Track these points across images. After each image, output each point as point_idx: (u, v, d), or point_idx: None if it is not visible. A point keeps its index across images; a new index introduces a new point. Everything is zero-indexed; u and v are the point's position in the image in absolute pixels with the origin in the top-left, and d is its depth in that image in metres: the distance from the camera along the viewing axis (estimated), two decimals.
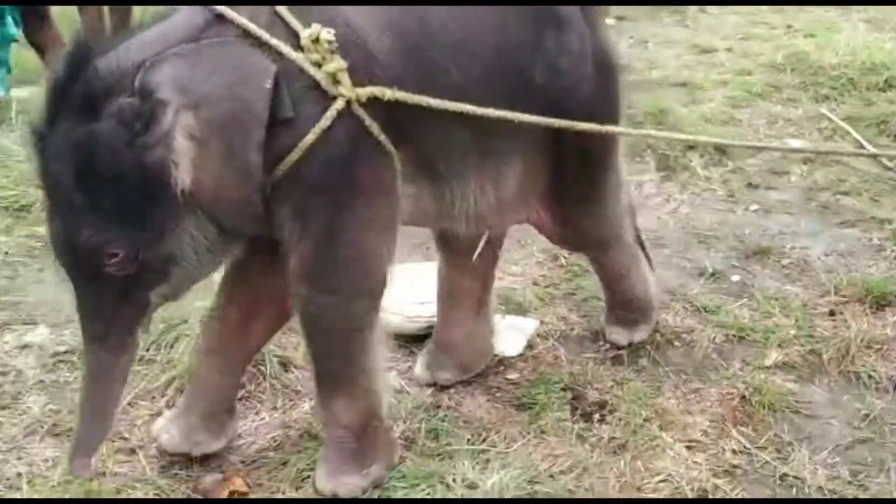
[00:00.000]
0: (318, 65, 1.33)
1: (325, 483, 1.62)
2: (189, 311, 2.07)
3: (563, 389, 1.92)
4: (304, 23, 1.34)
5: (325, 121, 1.33)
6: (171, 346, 2.01)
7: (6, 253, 2.59)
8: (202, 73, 1.30)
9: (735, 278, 2.39)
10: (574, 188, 1.80)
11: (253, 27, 1.32)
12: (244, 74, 1.31)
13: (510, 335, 2.10)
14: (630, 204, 2.08)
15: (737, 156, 3.15)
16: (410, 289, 2.16)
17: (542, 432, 1.80)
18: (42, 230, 2.70)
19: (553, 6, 1.59)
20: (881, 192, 2.85)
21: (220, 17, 1.33)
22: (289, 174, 1.37)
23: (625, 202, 2.00)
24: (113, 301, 1.39)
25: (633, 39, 4.91)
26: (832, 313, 2.19)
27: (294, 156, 1.35)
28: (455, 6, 1.50)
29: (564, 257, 2.49)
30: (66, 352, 2.12)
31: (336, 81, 1.34)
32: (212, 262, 1.48)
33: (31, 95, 3.80)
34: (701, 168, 3.07)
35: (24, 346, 2.16)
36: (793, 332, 2.11)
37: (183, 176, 1.28)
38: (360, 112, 1.36)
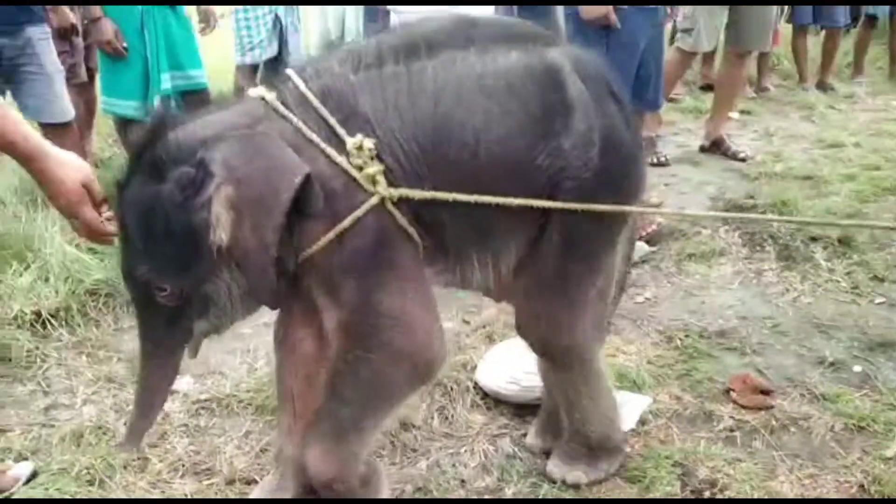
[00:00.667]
0: (360, 168, 1.51)
1: None
2: None
3: (674, 465, 1.93)
4: (349, 130, 1.52)
5: (360, 212, 1.52)
6: None
7: None
8: (247, 156, 1.50)
9: (857, 369, 2.35)
10: (550, 281, 1.74)
11: (304, 128, 1.52)
12: (281, 166, 1.49)
13: (623, 410, 2.14)
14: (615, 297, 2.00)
15: (862, 249, 3.11)
16: (526, 358, 2.27)
17: None
18: None
19: (562, 93, 1.62)
20: None
21: (277, 112, 1.54)
22: (321, 253, 1.54)
23: (600, 311, 1.88)
24: (162, 326, 1.61)
25: (757, 133, 4.95)
26: None
27: (328, 237, 1.52)
28: (473, 106, 1.58)
29: (680, 339, 2.53)
30: (207, 399, 2.32)
31: (374, 182, 1.52)
32: (246, 308, 1.65)
33: None
34: (824, 259, 3.05)
35: (171, 393, 2.38)
36: None
37: (220, 236, 1.47)
38: (392, 208, 1.54)
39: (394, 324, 1.60)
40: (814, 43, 6.31)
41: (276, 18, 4.33)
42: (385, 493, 1.79)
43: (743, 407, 2.18)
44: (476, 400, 2.24)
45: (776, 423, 2.11)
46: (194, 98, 3.80)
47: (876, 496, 1.83)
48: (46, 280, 2.81)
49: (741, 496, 1.84)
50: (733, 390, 2.23)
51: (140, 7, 3.67)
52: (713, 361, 2.41)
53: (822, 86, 5.99)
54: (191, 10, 4.23)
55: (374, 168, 1.51)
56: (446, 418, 2.17)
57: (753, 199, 3.61)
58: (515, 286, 1.78)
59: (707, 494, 1.86)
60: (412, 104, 1.56)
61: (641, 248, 3.12)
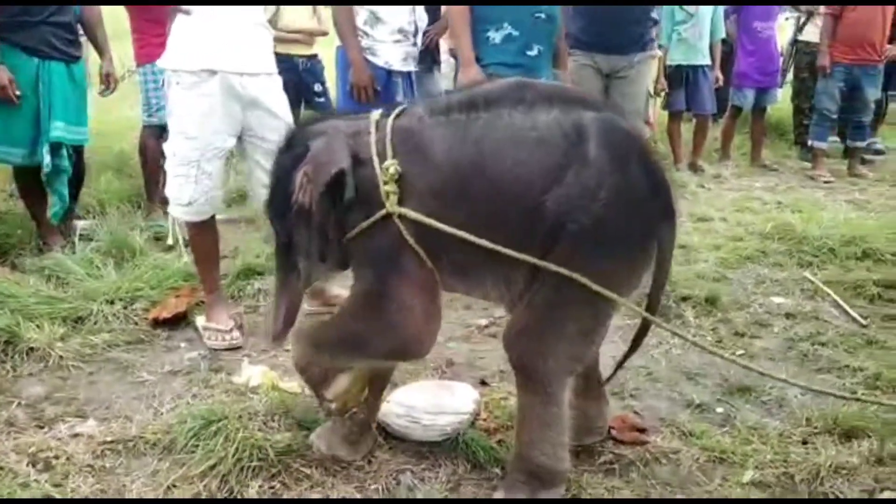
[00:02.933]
0: (385, 183, 1.92)
1: None
2: (221, 409, 2.36)
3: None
4: (397, 155, 1.94)
5: (372, 220, 1.95)
6: (212, 438, 2.25)
7: (61, 357, 2.89)
8: (325, 149, 1.98)
9: (719, 410, 2.63)
10: (541, 306, 1.95)
11: (372, 145, 1.98)
12: (334, 160, 1.95)
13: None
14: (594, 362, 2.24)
15: (726, 308, 3.46)
16: (426, 399, 2.44)
17: None
18: (95, 338, 3.03)
19: (582, 150, 1.84)
20: (856, 345, 3.12)
21: (367, 129, 2.02)
22: (353, 241, 2.02)
23: (583, 355, 2.05)
24: (281, 257, 2.15)
25: None
26: (805, 442, 2.41)
27: (357, 230, 1.99)
28: (504, 152, 1.88)
29: None
30: (112, 441, 2.36)
31: (387, 197, 1.91)
32: (322, 265, 2.13)
33: (89, 225, 4.24)
34: (692, 317, 3.38)
35: (75, 435, 2.41)
36: (769, 456, 2.32)
37: (301, 197, 1.94)
38: (398, 222, 1.93)
39: (392, 307, 1.97)
40: (686, 128, 6.89)
41: None
42: (339, 388, 2.19)
43: (621, 443, 2.40)
44: (379, 439, 2.37)
45: (650, 456, 2.34)
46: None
47: None
48: None
49: None
50: (613, 428, 2.45)
51: (37, 60, 3.80)
52: None
53: (694, 167, 6.54)
54: (92, 70, 4.30)
55: (391, 188, 1.91)
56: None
57: None
58: (520, 302, 2.01)
59: None
60: (459, 145, 1.92)
61: None
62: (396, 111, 2.05)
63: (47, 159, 3.85)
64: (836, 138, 7.04)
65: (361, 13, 3.62)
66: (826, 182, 6.22)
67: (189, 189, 2.96)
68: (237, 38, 2.94)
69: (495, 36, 3.59)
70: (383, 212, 1.92)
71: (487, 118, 1.91)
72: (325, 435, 2.30)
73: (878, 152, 7.19)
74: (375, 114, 2.07)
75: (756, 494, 2.16)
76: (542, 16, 3.63)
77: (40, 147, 3.86)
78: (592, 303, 1.92)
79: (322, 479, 2.19)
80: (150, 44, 4.39)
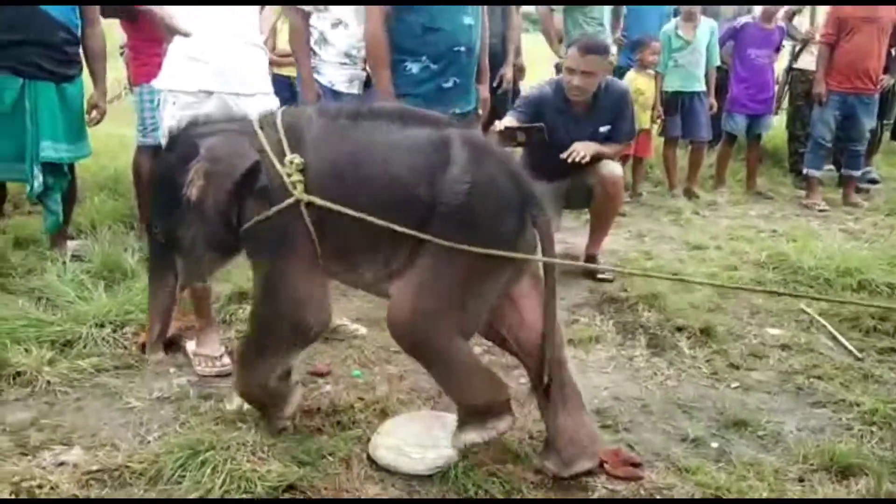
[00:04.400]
0: (289, 175, 2.16)
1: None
2: (214, 440, 2.31)
3: None
4: (293, 150, 2.20)
5: (281, 206, 2.17)
6: (199, 469, 2.21)
7: (48, 382, 2.84)
8: (223, 146, 2.23)
9: (714, 445, 2.60)
10: (418, 279, 2.19)
11: (265, 142, 2.23)
12: (242, 154, 2.20)
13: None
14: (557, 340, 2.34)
15: (721, 339, 3.44)
16: (416, 432, 2.41)
17: None
18: (83, 363, 2.98)
19: (446, 152, 2.18)
20: (852, 379, 3.10)
21: (255, 130, 2.28)
22: (250, 231, 2.23)
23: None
24: (157, 259, 2.40)
25: (630, 233, 5.36)
26: (801, 479, 2.39)
27: (260, 217, 2.19)
28: (382, 154, 2.21)
29: None
30: (98, 470, 2.31)
31: (294, 187, 2.16)
32: (209, 261, 2.40)
33: (81, 245, 4.21)
34: (687, 348, 3.35)
35: (61, 464, 2.37)
36: (765, 493, 2.30)
37: (192, 192, 2.18)
38: (304, 210, 2.17)
39: (283, 293, 2.26)
40: (681, 155, 6.90)
41: None
42: (290, 408, 2.48)
43: (615, 478, 2.37)
44: (369, 472, 2.34)
45: (644, 492, 2.31)
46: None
47: None
48: None
49: None
50: (606, 462, 2.42)
51: (21, 80, 3.84)
52: None
53: (689, 193, 6.53)
54: (88, 87, 4.28)
55: (296, 178, 2.16)
56: (338, 489, 2.25)
57: (627, 292, 3.92)
58: (395, 284, 2.25)
59: None
60: (344, 145, 2.23)
61: None
62: (282, 111, 2.35)
63: (39, 179, 3.83)
64: (832, 167, 7.05)
65: (314, 33, 3.64)
66: (821, 210, 6.21)
67: None
68: (234, 59, 2.94)
69: (412, 67, 3.60)
70: (292, 199, 2.15)
71: (369, 126, 2.25)
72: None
73: (873, 181, 7.20)
74: (257, 115, 2.38)
75: None
76: (462, 49, 3.62)
77: (26, 165, 3.88)
78: (469, 275, 2.17)
79: None
80: (147, 63, 4.35)
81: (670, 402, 2.90)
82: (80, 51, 4.10)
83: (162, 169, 2.31)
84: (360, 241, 2.21)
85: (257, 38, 3.08)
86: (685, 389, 3.00)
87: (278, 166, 2.17)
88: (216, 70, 2.89)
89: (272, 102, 3.08)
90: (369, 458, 2.38)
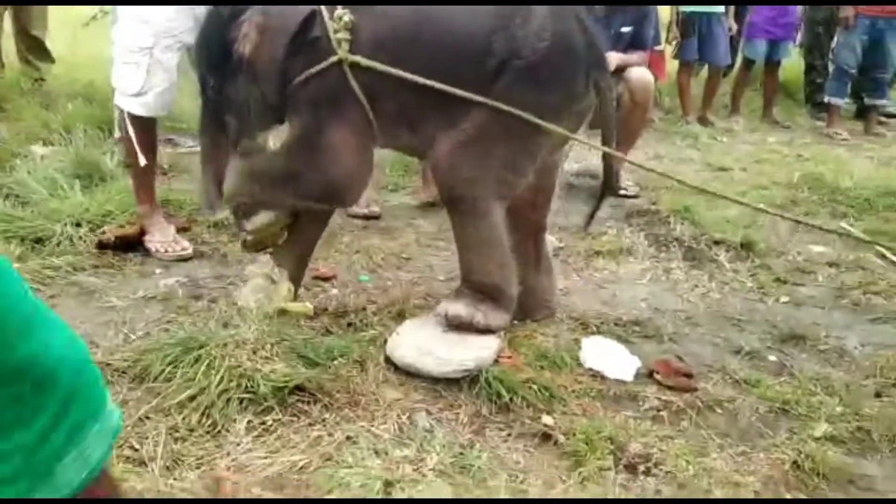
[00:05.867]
0: (336, 30, 1.98)
1: None
2: (208, 337, 1.99)
3: (604, 440, 1.79)
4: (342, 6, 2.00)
5: (324, 64, 1.98)
6: (191, 366, 1.89)
7: None
8: (278, 6, 2.07)
9: (772, 358, 2.31)
10: (467, 134, 2.02)
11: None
12: (296, 11, 2.00)
13: (619, 363, 2.19)
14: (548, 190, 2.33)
15: (763, 254, 3.14)
16: (441, 329, 2.11)
17: (585, 479, 1.68)
18: (58, 261, 2.64)
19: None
20: None
21: None
22: (299, 85, 2.02)
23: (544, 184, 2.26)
24: (210, 112, 2.22)
25: (647, 155, 5.02)
26: (878, 395, 2.11)
27: (307, 73, 2.00)
28: (439, 13, 2.03)
29: (595, 325, 2.42)
30: None
31: (339, 45, 1.97)
32: (260, 119, 2.10)
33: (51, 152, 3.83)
34: (727, 262, 3.05)
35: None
36: (839, 409, 2.02)
37: (245, 47, 2.02)
38: (347, 70, 1.99)
39: (327, 150, 2.07)
40: (694, 83, 6.54)
41: None
42: (259, 222, 2.26)
43: (667, 388, 2.08)
44: (387, 374, 2.04)
45: (702, 404, 2.02)
46: None
47: (810, 473, 1.76)
48: None
49: (677, 471, 1.72)
50: (657, 372, 2.13)
51: None
52: (631, 347, 2.30)
53: (703, 121, 6.18)
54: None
55: (343, 35, 1.97)
56: (352, 392, 1.95)
57: (656, 205, 3.61)
58: (439, 143, 2.06)
59: (641, 469, 1.73)
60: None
61: (550, 241, 3.02)
62: None
63: None
64: (849, 99, 6.71)
65: None
66: (843, 139, 5.90)
67: (139, 78, 2.66)
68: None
69: None
70: (335, 58, 1.97)
71: None
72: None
73: (892, 115, 6.88)
74: None
75: (832, 451, 1.84)
76: None
77: None
78: (522, 133, 2.03)
79: (321, 415, 1.85)
80: None
81: (716, 314, 2.61)
82: None
83: (213, 23, 2.12)
84: (423, 101, 2.02)
85: None
86: (731, 302, 2.71)
87: (328, 22, 1.98)
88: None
89: None
90: (387, 359, 2.08)
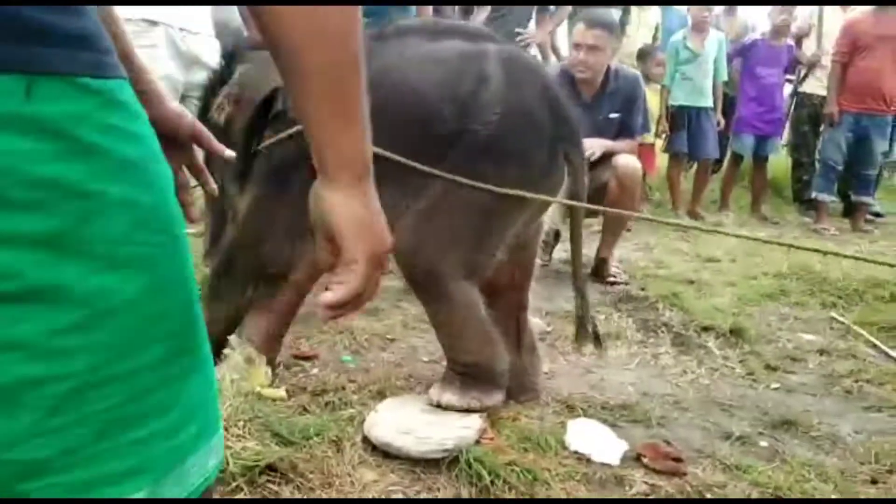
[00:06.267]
0: None
1: None
2: None
3: None
4: None
5: (283, 135, 1.98)
6: None
7: None
8: (255, 73, 2.06)
9: (763, 443, 2.24)
10: (430, 210, 1.99)
11: None
12: (268, 79, 1.93)
13: (605, 448, 2.09)
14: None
15: (752, 340, 3.10)
16: (424, 407, 2.05)
17: None
18: None
19: (480, 68, 1.98)
20: None
21: None
22: (262, 156, 2.04)
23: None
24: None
25: (637, 245, 5.05)
26: (874, 481, 2.03)
27: (270, 141, 2.02)
28: (407, 68, 2.00)
29: (582, 409, 2.35)
30: None
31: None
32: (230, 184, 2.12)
33: None
34: (717, 348, 3.00)
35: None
36: (833, 495, 1.94)
37: (220, 118, 2.06)
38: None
39: (278, 222, 2.08)
40: (684, 177, 6.63)
41: None
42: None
43: (655, 472, 2.00)
44: (364, 455, 1.96)
45: (691, 489, 1.93)
46: None
47: None
48: None
49: None
50: (644, 456, 2.06)
51: None
52: (618, 431, 2.22)
53: (693, 214, 6.24)
54: None
55: None
56: (326, 473, 1.86)
57: (645, 291, 3.59)
58: (399, 220, 1.98)
59: None
60: (371, 62, 1.82)
61: (537, 324, 2.98)
62: None
63: None
64: (836, 196, 6.78)
65: None
66: (832, 234, 5.93)
67: None
68: None
69: None
70: (294, 129, 1.92)
71: (396, 44, 2.04)
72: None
73: (877, 214, 6.94)
74: None
75: None
76: None
77: None
78: (484, 208, 1.97)
79: (293, 497, 1.76)
80: None
81: (706, 400, 2.54)
82: None
83: (206, 88, 2.23)
84: (381, 172, 1.94)
85: None
86: (720, 388, 2.65)
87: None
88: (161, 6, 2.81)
89: (216, 46, 2.94)
90: (365, 439, 2.00)
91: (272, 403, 2.15)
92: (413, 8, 3.67)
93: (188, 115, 1.19)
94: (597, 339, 2.43)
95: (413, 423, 1.96)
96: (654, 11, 6.30)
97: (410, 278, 2.08)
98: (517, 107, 1.98)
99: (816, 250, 2.73)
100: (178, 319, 0.70)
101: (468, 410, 2.05)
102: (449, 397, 2.07)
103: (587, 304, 2.39)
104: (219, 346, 2.19)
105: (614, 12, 5.48)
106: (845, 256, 2.97)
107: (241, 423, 1.95)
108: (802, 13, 6.74)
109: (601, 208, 2.78)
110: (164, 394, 0.68)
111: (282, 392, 2.26)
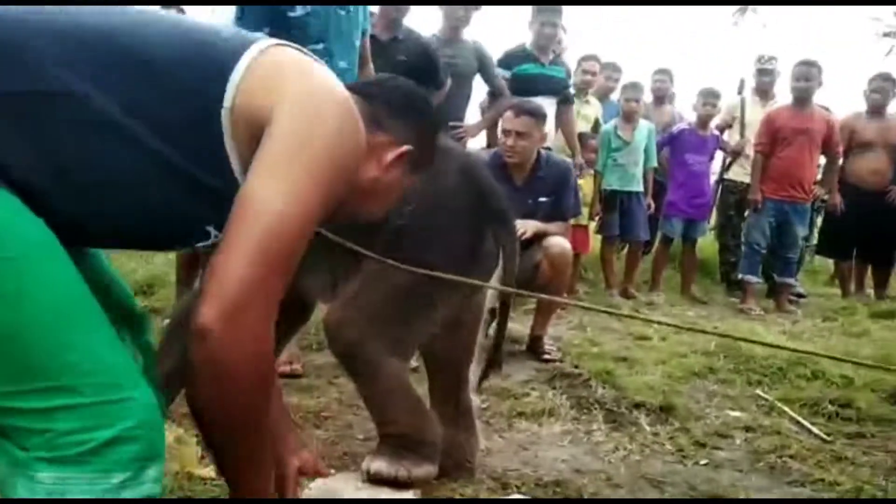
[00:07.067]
0: None
1: None
2: None
3: None
4: None
5: None
6: None
7: None
8: None
9: None
10: (356, 289, 2.05)
11: None
12: None
13: None
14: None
15: (682, 417, 3.18)
16: (358, 491, 2.03)
17: None
18: None
19: None
20: (825, 460, 2.84)
21: None
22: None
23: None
24: None
25: (571, 323, 5.15)
26: None
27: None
28: None
29: (516, 486, 2.37)
30: None
31: None
32: None
33: None
34: (648, 425, 3.07)
35: None
36: None
37: None
38: None
39: None
40: (617, 258, 6.83)
41: None
42: None
43: None
44: None
45: None
46: None
47: None
48: None
49: None
50: None
51: None
52: None
53: (626, 294, 6.41)
54: None
55: None
56: None
57: (578, 368, 3.65)
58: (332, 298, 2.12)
59: None
60: None
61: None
62: None
63: None
64: (760, 278, 7.05)
65: None
66: (757, 315, 6.15)
67: None
68: None
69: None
70: None
71: None
72: None
73: (800, 295, 7.22)
74: None
75: None
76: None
77: None
78: (409, 290, 2.01)
79: None
80: None
81: (637, 475, 2.59)
82: None
83: None
84: (314, 250, 1.96)
85: None
86: (651, 464, 2.70)
87: None
88: None
89: None
90: None
91: (202, 482, 2.12)
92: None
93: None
94: (496, 365, 2.51)
95: (347, 494, 1.95)
96: (596, 105, 6.60)
97: (338, 353, 2.11)
98: (435, 197, 2.01)
99: (746, 339, 2.84)
100: None
101: (397, 480, 2.05)
102: (378, 465, 2.07)
103: (503, 334, 2.45)
104: None
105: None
106: (774, 346, 3.08)
107: None
108: (727, 104, 7.12)
109: (531, 294, 2.84)
110: None
111: (212, 471, 2.22)
